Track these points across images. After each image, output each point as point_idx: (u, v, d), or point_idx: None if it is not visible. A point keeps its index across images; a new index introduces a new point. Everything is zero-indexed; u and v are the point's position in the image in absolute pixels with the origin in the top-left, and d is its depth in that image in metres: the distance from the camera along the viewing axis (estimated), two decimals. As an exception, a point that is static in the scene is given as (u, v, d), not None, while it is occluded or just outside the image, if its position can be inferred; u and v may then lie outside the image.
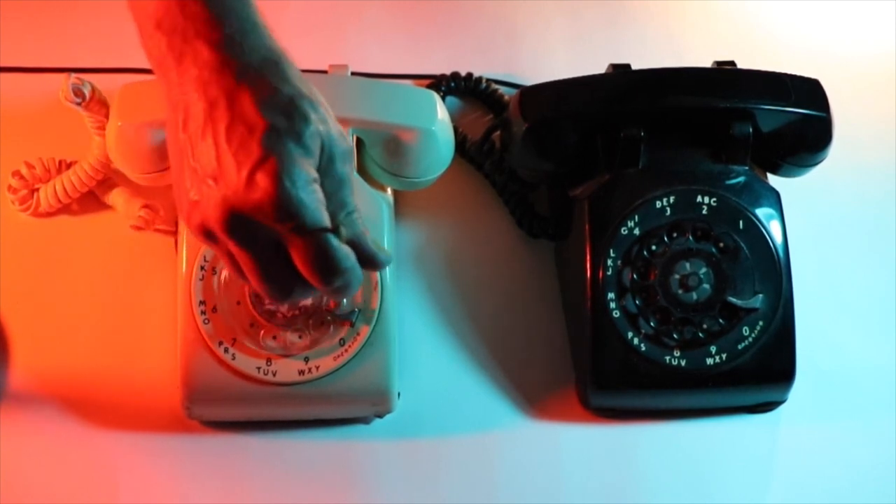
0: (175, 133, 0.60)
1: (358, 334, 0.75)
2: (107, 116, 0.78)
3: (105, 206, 0.84)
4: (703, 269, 0.78)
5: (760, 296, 0.78)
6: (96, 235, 0.83)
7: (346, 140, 0.62)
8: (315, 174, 0.59)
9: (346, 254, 0.61)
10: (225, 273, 0.74)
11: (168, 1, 0.60)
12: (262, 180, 0.57)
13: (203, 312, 0.74)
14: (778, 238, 0.79)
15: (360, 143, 0.79)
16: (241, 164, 0.57)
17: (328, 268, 0.60)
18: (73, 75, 0.76)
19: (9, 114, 0.87)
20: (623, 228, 0.78)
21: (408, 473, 0.77)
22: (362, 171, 0.79)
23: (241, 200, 0.57)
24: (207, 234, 0.60)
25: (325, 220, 0.59)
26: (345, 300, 0.75)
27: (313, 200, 0.59)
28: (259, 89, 0.58)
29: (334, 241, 0.60)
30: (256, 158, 0.57)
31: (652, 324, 0.77)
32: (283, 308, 0.74)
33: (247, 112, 0.58)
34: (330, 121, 0.61)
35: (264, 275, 0.61)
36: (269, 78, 0.59)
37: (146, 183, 0.78)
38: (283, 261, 0.60)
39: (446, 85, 0.91)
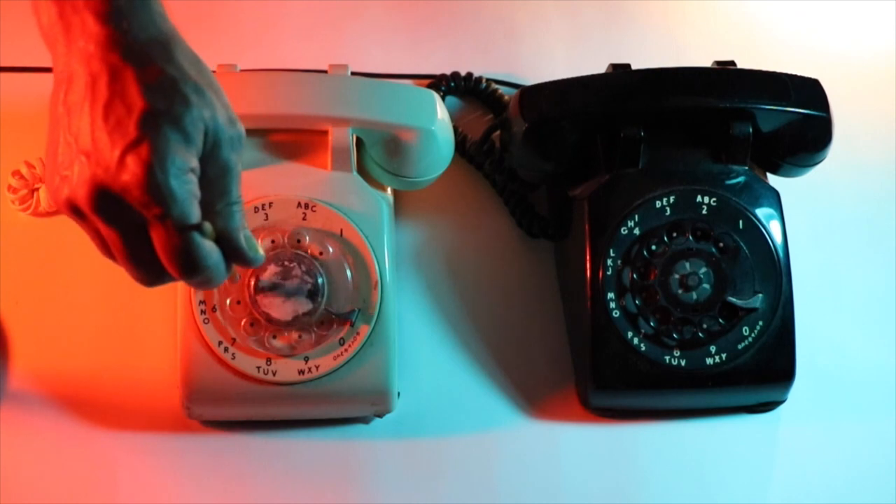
0: (55, 104, 0.59)
1: (358, 334, 0.75)
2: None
3: (105, 206, 0.84)
4: (703, 269, 0.78)
5: (760, 296, 0.78)
6: (96, 235, 0.83)
7: (235, 126, 0.61)
8: (193, 163, 0.58)
9: (209, 251, 0.60)
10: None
11: None
12: (133, 163, 0.56)
13: (203, 312, 0.74)
14: (778, 238, 0.79)
15: (360, 142, 0.79)
16: (114, 143, 0.56)
17: (188, 263, 0.59)
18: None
19: (9, 114, 0.87)
20: (623, 228, 0.78)
21: (408, 473, 0.77)
22: (362, 170, 0.79)
23: (110, 180, 0.56)
24: (75, 211, 0.58)
25: (192, 215, 0.58)
26: (345, 296, 0.75)
27: (183, 192, 0.57)
28: (143, 69, 0.57)
29: (197, 237, 0.59)
30: (130, 140, 0.56)
31: (652, 324, 0.77)
32: (285, 308, 0.74)
33: (128, 91, 0.56)
34: (217, 105, 0.60)
35: (131, 256, 0.60)
36: (155, 58, 0.58)
37: (146, 183, 0.78)
38: (151, 244, 0.59)
39: (446, 85, 0.91)
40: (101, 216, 0.58)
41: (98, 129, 0.56)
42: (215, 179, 0.60)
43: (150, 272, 0.60)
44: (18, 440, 0.76)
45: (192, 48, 0.60)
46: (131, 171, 0.56)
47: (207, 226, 0.59)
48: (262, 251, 0.64)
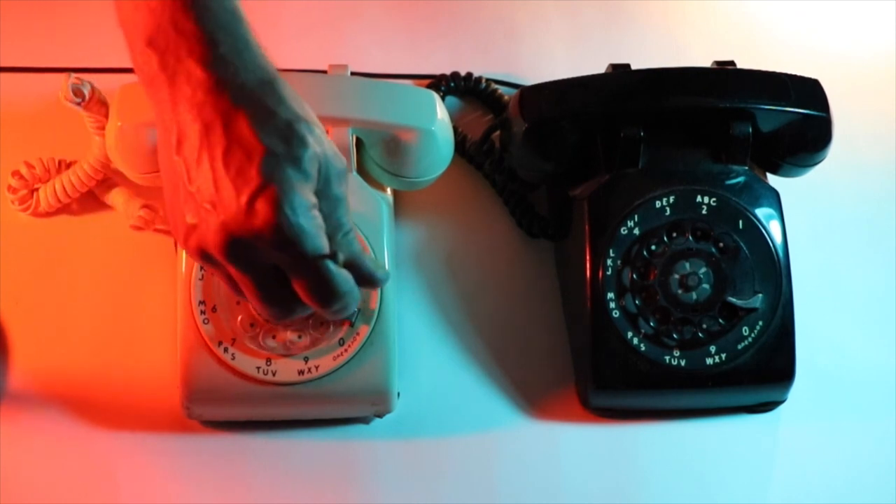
0: (168, 155, 0.59)
1: (358, 334, 0.75)
2: (106, 116, 0.78)
3: (105, 206, 0.84)
4: (703, 269, 0.78)
5: (760, 296, 0.78)
6: (96, 235, 0.83)
7: (340, 159, 0.62)
8: (314, 199, 0.59)
9: (345, 278, 0.61)
10: None
11: (159, 17, 0.59)
12: (262, 208, 0.57)
13: (203, 312, 0.74)
14: (778, 238, 0.79)
15: (360, 143, 0.79)
16: (240, 190, 0.57)
17: (328, 293, 0.61)
18: (73, 75, 0.76)
19: (9, 114, 0.87)
20: (623, 228, 0.78)
21: (408, 473, 0.77)
22: (362, 171, 0.79)
23: (240, 227, 0.57)
24: (206, 258, 0.60)
25: (325, 247, 0.59)
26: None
27: (313, 227, 0.59)
28: (256, 112, 0.58)
29: (332, 266, 0.60)
30: (256, 185, 0.57)
31: (651, 324, 0.77)
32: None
33: (244, 136, 0.57)
34: (325, 141, 0.61)
35: (264, 297, 0.61)
36: (266, 100, 0.59)
37: (146, 183, 0.78)
38: (283, 282, 0.61)
39: (446, 85, 0.91)
40: (234, 262, 0.59)
41: (220, 177, 0.57)
42: (329, 213, 0.61)
43: (283, 308, 0.63)
44: (18, 440, 0.76)
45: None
46: (261, 217, 0.57)
47: (340, 255, 0.61)
48: (386, 270, 0.67)
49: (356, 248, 0.63)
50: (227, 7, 0.60)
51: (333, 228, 0.62)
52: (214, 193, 0.57)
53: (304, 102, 0.62)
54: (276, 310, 0.63)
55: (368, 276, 0.64)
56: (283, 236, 0.57)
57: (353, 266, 0.63)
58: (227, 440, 0.77)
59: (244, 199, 0.57)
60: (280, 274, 0.61)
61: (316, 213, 0.59)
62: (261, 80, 0.59)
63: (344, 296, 0.62)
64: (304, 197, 0.58)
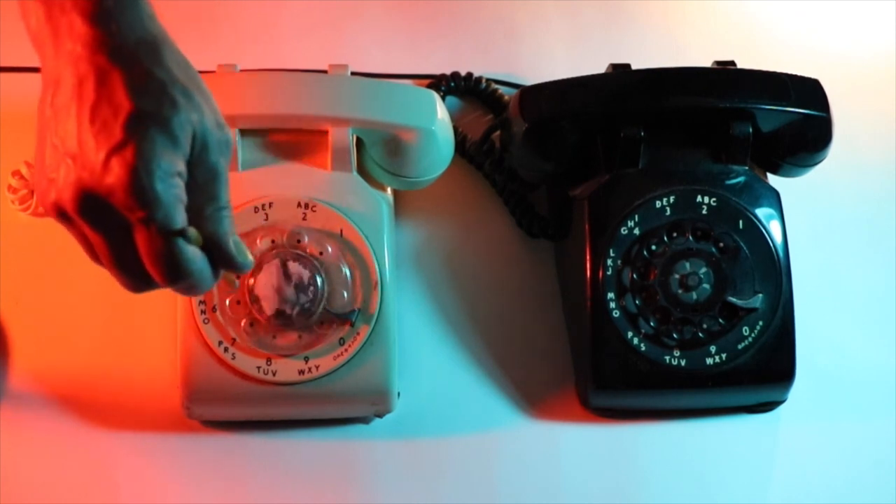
0: (43, 106, 0.58)
1: (358, 334, 0.75)
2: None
3: (105, 206, 0.84)
4: (703, 269, 0.78)
5: (760, 296, 0.78)
6: (96, 235, 0.83)
7: (223, 130, 0.60)
8: (180, 166, 0.57)
9: (193, 257, 0.58)
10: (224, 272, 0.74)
11: None
12: (118, 165, 0.55)
13: (203, 312, 0.74)
14: (778, 238, 0.79)
15: (360, 142, 0.79)
16: (100, 145, 0.55)
17: (171, 267, 0.58)
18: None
19: (9, 114, 0.87)
20: (623, 228, 0.78)
21: (408, 473, 0.77)
22: (362, 170, 0.79)
23: (95, 183, 0.56)
24: (61, 214, 0.58)
25: (176, 218, 0.57)
26: (345, 296, 0.75)
27: (169, 195, 0.56)
28: (131, 71, 0.56)
29: (180, 242, 0.58)
30: (116, 142, 0.55)
31: (652, 324, 0.77)
32: (301, 298, 0.74)
33: (115, 93, 0.56)
34: (206, 109, 0.59)
35: (116, 261, 0.59)
36: (144, 60, 0.57)
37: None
38: (137, 248, 0.58)
39: (446, 85, 0.91)
40: (87, 219, 0.57)
41: (84, 131, 0.56)
42: (203, 184, 0.59)
43: (135, 277, 0.60)
44: (18, 440, 0.76)
45: (180, 50, 0.60)
46: (116, 174, 0.55)
47: (192, 231, 0.58)
48: (251, 256, 0.63)
49: (224, 227, 0.60)
50: None
51: (205, 201, 0.59)
52: (76, 147, 0.56)
53: (191, 69, 0.59)
54: (129, 277, 0.60)
55: (229, 259, 0.61)
56: (134, 198, 0.55)
57: (214, 245, 0.60)
58: (227, 440, 0.77)
59: (102, 154, 0.55)
60: (134, 239, 0.58)
61: (177, 181, 0.57)
62: (142, 40, 0.58)
63: (190, 275, 0.58)
64: (167, 162, 0.56)
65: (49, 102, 0.58)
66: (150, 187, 0.55)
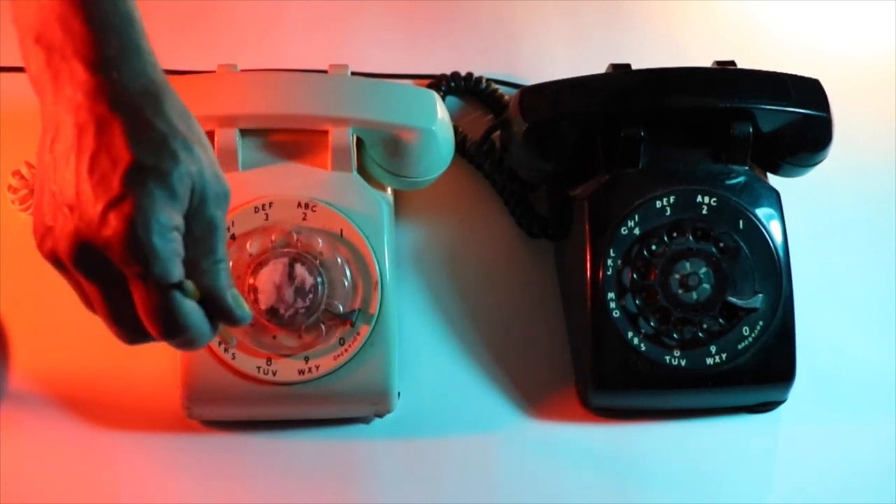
0: (42, 152, 0.58)
1: (358, 334, 0.75)
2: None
3: (105, 206, 0.84)
4: (703, 269, 0.78)
5: (760, 296, 0.78)
6: (96, 235, 0.83)
7: (221, 183, 0.59)
8: (178, 220, 0.57)
9: (189, 311, 0.58)
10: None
11: (48, 15, 0.57)
12: (115, 219, 0.54)
13: (203, 312, 0.74)
14: (778, 238, 0.79)
15: (360, 142, 0.79)
16: (98, 197, 0.55)
17: (168, 322, 0.57)
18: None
19: (9, 114, 0.87)
20: (623, 228, 0.78)
21: (408, 473, 0.77)
22: (362, 171, 0.79)
23: (92, 235, 0.55)
24: (57, 263, 0.58)
25: (174, 273, 0.56)
26: (346, 296, 0.75)
27: (166, 250, 0.56)
28: (131, 122, 0.56)
29: (178, 297, 0.57)
30: (114, 195, 0.54)
31: (652, 324, 0.77)
32: (297, 303, 0.74)
33: (115, 144, 0.55)
34: (205, 161, 0.58)
35: (111, 313, 0.58)
36: (145, 111, 0.56)
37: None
38: (132, 301, 0.58)
39: (446, 85, 0.91)
40: (83, 270, 0.57)
41: (83, 181, 0.55)
42: (201, 237, 0.58)
43: (131, 330, 0.59)
44: (18, 440, 0.76)
45: (182, 101, 0.59)
46: (113, 228, 0.54)
47: (189, 285, 0.58)
48: (248, 309, 0.62)
49: (222, 281, 0.60)
50: (121, 10, 0.58)
51: (202, 253, 0.59)
52: (74, 197, 0.55)
53: (192, 119, 0.59)
54: (123, 329, 0.59)
55: (226, 313, 0.60)
56: (131, 253, 0.55)
57: (212, 299, 0.59)
58: (227, 440, 0.77)
59: (100, 206, 0.54)
60: (129, 291, 0.57)
61: (175, 235, 0.57)
62: (144, 90, 0.57)
63: (187, 330, 0.58)
64: (165, 216, 0.55)
65: (48, 148, 0.57)
66: (148, 242, 0.55)
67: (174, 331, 0.58)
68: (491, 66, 0.93)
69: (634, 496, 0.78)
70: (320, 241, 0.75)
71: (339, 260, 0.75)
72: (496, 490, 0.77)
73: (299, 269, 0.74)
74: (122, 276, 0.56)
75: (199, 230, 0.58)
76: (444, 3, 0.97)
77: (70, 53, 0.56)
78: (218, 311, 0.60)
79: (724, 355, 0.77)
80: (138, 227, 0.55)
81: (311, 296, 0.74)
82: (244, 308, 0.61)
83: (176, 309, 0.57)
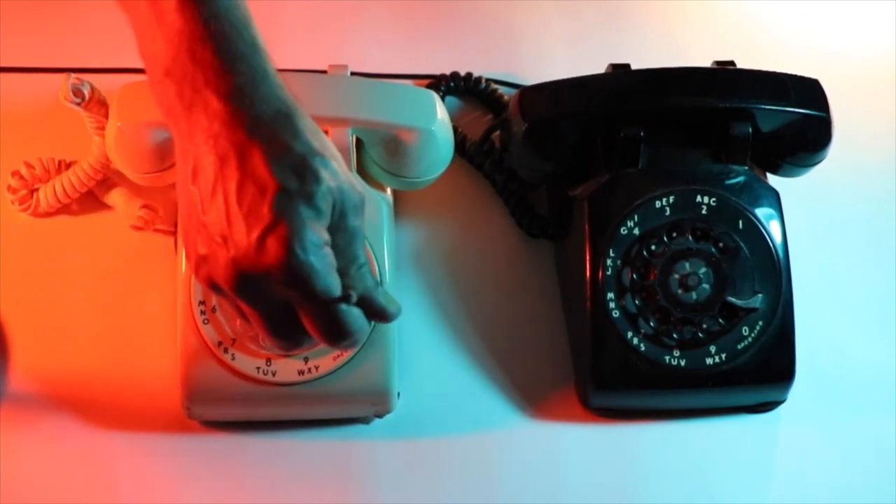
0: (185, 184, 0.59)
1: (358, 334, 0.75)
2: (106, 116, 0.78)
3: (105, 206, 0.84)
4: (703, 269, 0.78)
5: (760, 296, 0.78)
6: (96, 235, 0.83)
7: (357, 191, 0.61)
8: (326, 236, 0.59)
9: (356, 317, 0.61)
10: None
11: (177, 48, 0.58)
12: (273, 246, 0.56)
13: (203, 312, 0.74)
14: (778, 238, 0.79)
15: (360, 143, 0.79)
16: (251, 227, 0.56)
17: (337, 332, 0.60)
18: (73, 75, 0.76)
19: (9, 114, 0.87)
20: (623, 228, 0.78)
21: (408, 473, 0.77)
22: (362, 171, 0.79)
23: (250, 263, 0.57)
24: (216, 289, 0.60)
25: (336, 286, 0.59)
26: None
27: (324, 266, 0.58)
28: (270, 146, 0.57)
29: (343, 306, 0.60)
30: (267, 223, 0.56)
31: (651, 324, 0.77)
32: None
33: (258, 171, 0.57)
34: (341, 173, 0.60)
35: (273, 331, 0.61)
36: (281, 134, 0.58)
37: (146, 183, 0.78)
38: (293, 317, 0.60)
39: (446, 85, 0.91)
40: (243, 297, 0.59)
41: (233, 212, 0.57)
42: (345, 247, 0.61)
43: (292, 341, 0.62)
44: (18, 440, 0.76)
45: (310, 117, 0.61)
46: (272, 255, 0.56)
47: (352, 294, 0.61)
48: (399, 304, 0.65)
49: (370, 282, 0.63)
50: (246, 38, 0.60)
51: (348, 262, 0.61)
52: (226, 228, 0.57)
53: (321, 133, 0.61)
54: (285, 342, 0.62)
55: (380, 311, 0.64)
56: (294, 275, 0.57)
57: (366, 301, 0.62)
58: (227, 440, 0.77)
59: (255, 236, 0.56)
60: (290, 308, 0.60)
61: (328, 250, 0.59)
62: (277, 113, 0.59)
63: (353, 333, 0.61)
64: (316, 234, 0.58)
65: (191, 181, 0.58)
66: (307, 263, 0.57)
67: (343, 337, 0.61)
68: (491, 66, 0.93)
69: (634, 496, 0.78)
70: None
71: (338, 260, 0.76)
72: (496, 490, 0.77)
73: None
74: (281, 296, 0.59)
75: (342, 240, 0.60)
76: (444, 3, 0.97)
77: (201, 84, 0.58)
78: (372, 311, 0.63)
79: (723, 355, 0.77)
80: (297, 250, 0.57)
81: None
82: (395, 303, 0.64)
83: (344, 319, 0.60)
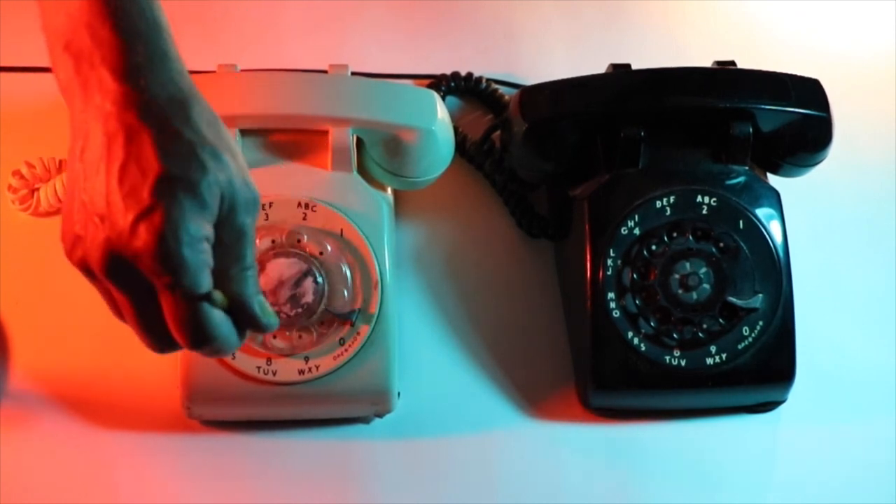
0: (73, 161, 0.58)
1: (358, 334, 0.75)
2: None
3: (105, 206, 0.84)
4: (703, 269, 0.78)
5: (760, 296, 0.78)
6: (96, 235, 0.83)
7: (251, 189, 0.59)
8: (207, 230, 0.57)
9: (219, 322, 0.58)
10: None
11: (76, 23, 0.57)
12: (145, 231, 0.55)
13: (203, 312, 0.74)
14: (778, 238, 0.79)
15: (360, 143, 0.79)
16: (128, 208, 0.55)
17: (196, 332, 0.58)
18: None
19: (9, 114, 0.87)
20: (623, 228, 0.78)
21: (408, 473, 0.77)
22: (362, 171, 0.79)
23: (122, 246, 0.55)
24: (86, 271, 0.58)
25: (203, 284, 0.57)
26: (346, 296, 0.75)
27: (197, 260, 0.56)
28: (160, 131, 0.56)
29: (206, 307, 0.57)
30: (144, 206, 0.55)
31: (652, 324, 0.77)
32: (285, 307, 0.74)
33: (144, 154, 0.55)
34: (234, 169, 0.58)
35: (141, 321, 0.59)
36: (173, 120, 0.56)
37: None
38: (162, 311, 0.58)
39: (446, 85, 0.91)
40: (113, 280, 0.57)
41: (113, 192, 0.55)
42: (230, 244, 0.59)
43: (159, 339, 0.59)
44: (18, 440, 0.76)
45: (210, 107, 0.59)
46: (143, 239, 0.55)
47: (217, 294, 0.58)
48: (275, 316, 0.62)
49: (249, 288, 0.60)
50: (148, 17, 0.58)
51: (231, 260, 0.59)
52: (105, 207, 0.56)
53: (219, 125, 0.59)
54: (152, 338, 0.60)
55: (253, 321, 0.61)
56: (161, 264, 0.55)
57: (239, 307, 0.59)
58: (227, 440, 0.77)
59: (130, 218, 0.55)
60: (159, 301, 0.58)
61: (205, 246, 0.57)
62: (172, 98, 0.57)
63: (215, 340, 0.58)
64: (195, 226, 0.56)
65: (78, 157, 0.57)
66: (177, 253, 0.55)
67: (202, 341, 0.58)
68: (491, 66, 0.93)
69: (634, 496, 0.78)
70: (320, 241, 0.75)
71: (338, 260, 0.75)
72: (496, 490, 0.77)
73: (307, 283, 0.74)
74: (151, 286, 0.57)
75: (229, 237, 0.58)
76: (444, 3, 0.97)
77: (98, 61, 0.57)
78: (245, 319, 0.60)
79: (724, 355, 0.77)
80: (168, 239, 0.55)
81: (298, 310, 0.74)
82: (271, 315, 0.61)
83: (204, 320, 0.57)
